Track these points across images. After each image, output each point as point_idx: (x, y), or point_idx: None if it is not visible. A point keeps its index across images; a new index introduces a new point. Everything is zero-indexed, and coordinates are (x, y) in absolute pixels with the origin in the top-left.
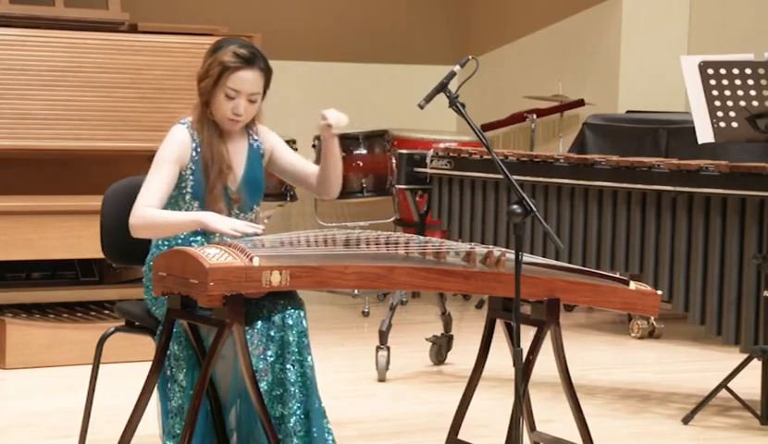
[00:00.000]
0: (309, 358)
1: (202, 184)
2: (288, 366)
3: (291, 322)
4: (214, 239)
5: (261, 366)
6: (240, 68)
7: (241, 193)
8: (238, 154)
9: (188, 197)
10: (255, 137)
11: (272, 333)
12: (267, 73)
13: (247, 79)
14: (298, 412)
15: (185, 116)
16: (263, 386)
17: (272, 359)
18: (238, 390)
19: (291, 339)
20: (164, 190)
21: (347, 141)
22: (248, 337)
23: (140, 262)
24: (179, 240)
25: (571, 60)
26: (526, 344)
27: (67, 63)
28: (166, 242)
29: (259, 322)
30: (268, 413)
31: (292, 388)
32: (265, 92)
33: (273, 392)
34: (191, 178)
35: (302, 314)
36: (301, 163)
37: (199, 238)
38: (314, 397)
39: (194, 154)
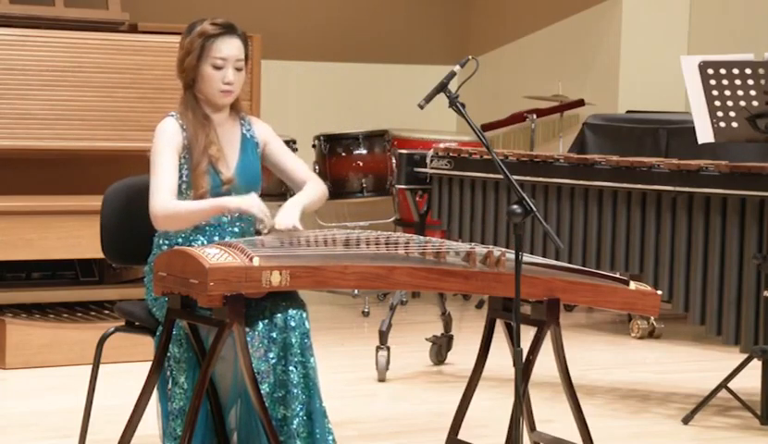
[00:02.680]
0: (312, 359)
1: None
2: (290, 368)
3: (293, 324)
4: (215, 239)
5: (263, 368)
6: (222, 35)
7: (234, 178)
8: (231, 141)
9: (183, 187)
10: (248, 127)
11: (274, 335)
12: (246, 41)
13: (231, 44)
14: (301, 413)
15: (172, 110)
16: (264, 388)
17: (273, 361)
18: (238, 392)
19: (293, 340)
20: (174, 179)
21: (347, 141)
22: (249, 339)
23: (139, 262)
24: (180, 240)
25: (571, 60)
26: (526, 344)
27: (67, 63)
28: (166, 242)
29: (260, 323)
30: (269, 413)
31: (295, 390)
32: (246, 63)
33: (275, 394)
34: (185, 166)
35: (304, 315)
36: (291, 167)
37: (200, 238)
38: (315, 398)
39: (186, 142)
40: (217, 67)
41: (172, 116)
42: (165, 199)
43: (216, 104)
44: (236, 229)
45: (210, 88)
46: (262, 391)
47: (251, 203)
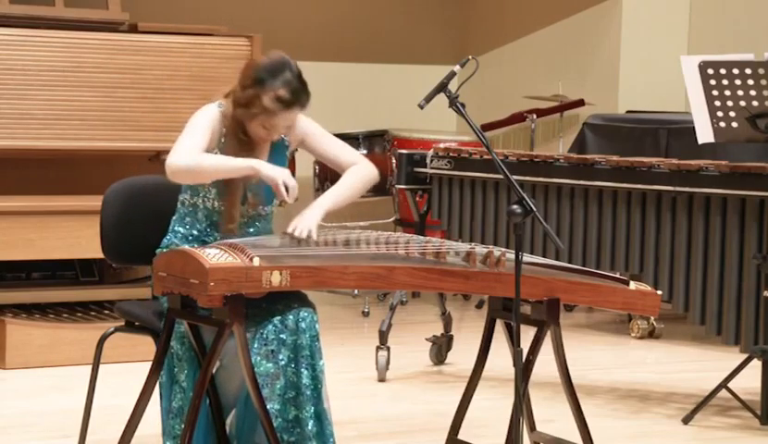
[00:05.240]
0: (321, 362)
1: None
2: (302, 370)
3: (304, 326)
4: (224, 238)
5: (272, 370)
6: (280, 112)
7: (258, 193)
8: (261, 151)
9: (208, 182)
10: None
11: (283, 336)
12: (307, 103)
13: (286, 119)
14: (313, 414)
15: (218, 97)
16: (277, 389)
17: (284, 362)
18: (243, 399)
19: (304, 342)
20: (204, 143)
21: (347, 141)
22: (257, 339)
23: (139, 262)
24: (195, 232)
25: (571, 60)
26: (526, 344)
27: (67, 63)
28: (180, 230)
29: (270, 325)
30: (269, 414)
31: (307, 392)
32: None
33: (286, 395)
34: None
35: (315, 317)
36: (334, 155)
37: (215, 234)
38: (322, 399)
39: (222, 139)
40: (266, 128)
41: (220, 107)
42: (190, 149)
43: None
44: (251, 230)
45: (253, 132)
46: (275, 392)
47: (280, 179)
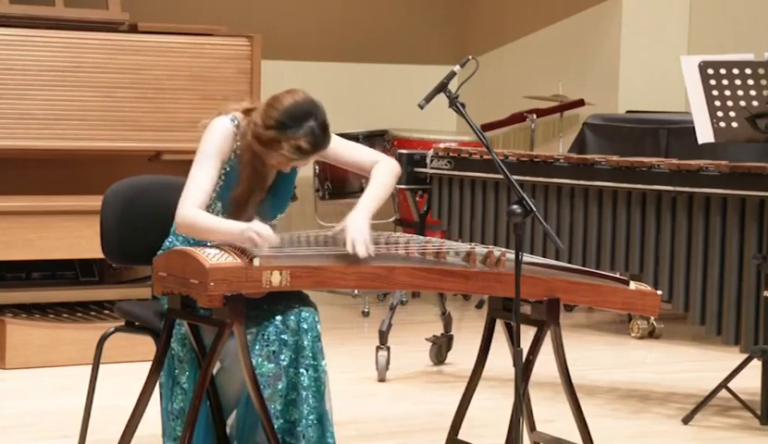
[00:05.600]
0: (323, 363)
1: (228, 191)
2: (302, 371)
3: (305, 326)
4: None
5: (274, 371)
6: (298, 160)
7: (262, 211)
8: (271, 172)
9: (213, 195)
10: None
11: (285, 337)
12: (327, 147)
13: (302, 162)
14: (311, 417)
15: (231, 109)
16: (278, 390)
17: (285, 363)
18: (244, 399)
19: (305, 343)
20: (209, 185)
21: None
22: (258, 340)
23: (139, 262)
24: (193, 240)
25: (571, 60)
26: (526, 344)
27: (67, 63)
28: (180, 236)
29: (271, 326)
30: (270, 415)
31: (305, 393)
32: None
33: (288, 397)
34: (222, 177)
35: (316, 318)
36: (353, 160)
37: None
38: (325, 401)
39: (233, 155)
40: (282, 164)
41: (233, 121)
42: (192, 206)
43: None
44: None
45: (268, 163)
46: (277, 393)
47: (249, 239)
